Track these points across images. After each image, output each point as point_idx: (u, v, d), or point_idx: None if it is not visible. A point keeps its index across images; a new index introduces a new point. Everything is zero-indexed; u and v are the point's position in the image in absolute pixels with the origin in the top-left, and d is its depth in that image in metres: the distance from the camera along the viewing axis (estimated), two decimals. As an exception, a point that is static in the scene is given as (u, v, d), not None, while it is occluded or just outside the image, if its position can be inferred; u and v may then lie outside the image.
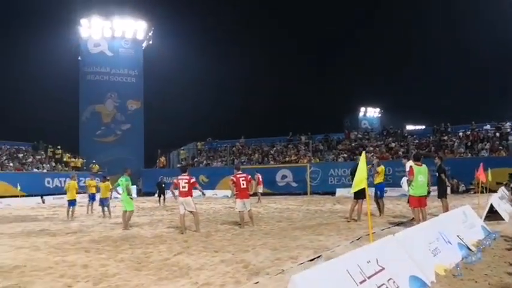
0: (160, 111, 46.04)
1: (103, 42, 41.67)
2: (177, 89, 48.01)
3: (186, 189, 11.48)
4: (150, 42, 43.97)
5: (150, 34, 43.57)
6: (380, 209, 14.06)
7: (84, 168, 35.68)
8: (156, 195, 25.00)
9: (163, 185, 23.66)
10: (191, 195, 11.61)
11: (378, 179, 14.13)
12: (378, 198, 14.11)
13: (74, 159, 36.14)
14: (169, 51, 44.10)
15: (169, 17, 48.90)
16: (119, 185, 13.43)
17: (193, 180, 11.69)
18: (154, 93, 44.56)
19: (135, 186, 33.81)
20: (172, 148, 40.15)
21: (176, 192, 11.77)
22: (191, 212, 11.58)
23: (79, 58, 41.58)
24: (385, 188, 15.44)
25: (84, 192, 19.73)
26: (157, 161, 37.27)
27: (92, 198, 19.34)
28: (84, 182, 21.78)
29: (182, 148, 39.77)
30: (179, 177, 11.72)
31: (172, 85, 47.57)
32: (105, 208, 16.95)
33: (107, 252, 8.74)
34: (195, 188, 11.87)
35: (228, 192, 25.66)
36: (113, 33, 41.60)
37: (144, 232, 11.89)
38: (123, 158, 37.92)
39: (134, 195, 31.53)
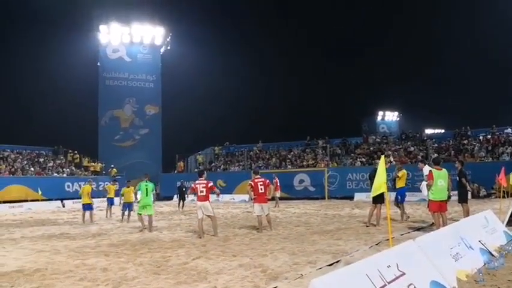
0: (178, 116, 46.29)
1: (121, 48, 42.17)
2: (194, 94, 48.30)
3: (204, 193, 11.52)
4: (168, 47, 44.38)
5: (168, 39, 43.98)
6: (401, 213, 13.90)
7: (103, 172, 36.04)
8: (176, 198, 25.04)
9: (183, 189, 23.71)
10: (209, 200, 11.65)
11: (400, 184, 13.99)
12: (399, 202, 13.96)
13: (93, 164, 36.55)
14: (187, 56, 44.40)
15: (186, 23, 49.28)
16: (140, 189, 13.71)
17: (210, 184, 11.72)
18: (172, 98, 44.88)
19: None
20: (190, 153, 40.34)
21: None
22: (209, 216, 11.60)
23: (98, 64, 42.13)
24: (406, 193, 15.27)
25: (104, 197, 19.93)
26: (176, 165, 37.44)
27: (110, 202, 19.50)
28: (103, 187, 21.95)
29: (199, 153, 39.92)
30: (197, 181, 11.76)
31: (190, 90, 47.87)
32: (126, 212, 17.01)
33: (126, 256, 8.81)
34: (213, 192, 11.91)
35: (246, 197, 25.71)
36: (131, 39, 42.08)
37: (163, 236, 11.97)
38: (141, 163, 38.30)
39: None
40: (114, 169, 35.66)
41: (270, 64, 52.98)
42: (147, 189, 13.51)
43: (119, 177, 33.49)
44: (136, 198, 14.12)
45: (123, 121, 41.90)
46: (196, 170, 36.47)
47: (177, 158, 37.60)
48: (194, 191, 11.68)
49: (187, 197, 23.82)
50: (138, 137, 42.10)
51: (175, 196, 27.81)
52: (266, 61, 53.11)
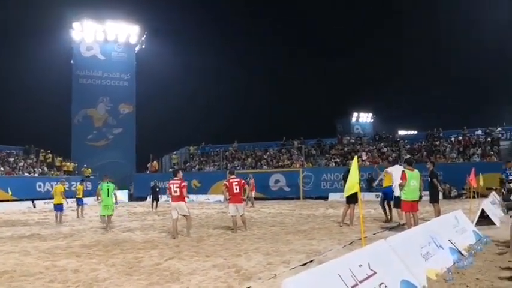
0: (152, 115, 45.87)
1: (95, 46, 41.54)
2: (170, 93, 47.89)
3: (178, 193, 11.43)
4: (143, 46, 43.88)
5: (143, 38, 43.50)
6: (389, 212, 13.84)
7: (76, 172, 35.44)
8: (149, 199, 24.78)
9: (157, 190, 23.47)
10: (183, 200, 11.56)
11: (386, 183, 14.05)
12: (384, 201, 13.95)
13: (67, 164, 35.86)
14: (162, 55, 43.98)
15: (162, 21, 48.86)
16: (101, 189, 14.11)
17: (184, 183, 11.61)
18: (147, 97, 44.42)
19: (126, 191, 33.66)
20: (165, 152, 40.01)
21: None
22: (184, 215, 11.52)
23: (71, 61, 41.39)
24: (378, 193, 15.38)
25: (74, 197, 19.65)
26: (149, 165, 36.95)
27: (80, 202, 19.23)
28: (75, 187, 21.56)
29: (174, 152, 39.65)
30: (171, 181, 11.68)
31: (165, 89, 47.45)
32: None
33: (97, 257, 8.69)
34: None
35: (221, 197, 25.64)
36: (105, 36, 41.50)
37: (136, 237, 11.84)
38: (114, 163, 37.81)
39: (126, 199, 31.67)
40: (89, 169, 35.12)
41: (246, 64, 52.94)
42: (108, 189, 13.90)
43: (93, 177, 33.07)
44: (99, 198, 14.30)
45: (96, 120, 41.30)
46: (171, 170, 36.22)
47: (151, 158, 37.19)
48: (169, 191, 11.62)
49: (161, 197, 23.64)
50: (111, 137, 41.54)
51: (148, 197, 27.52)
52: (242, 61, 53.04)
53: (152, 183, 24.17)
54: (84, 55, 41.40)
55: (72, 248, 9.96)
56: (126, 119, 42.17)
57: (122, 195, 30.22)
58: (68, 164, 35.86)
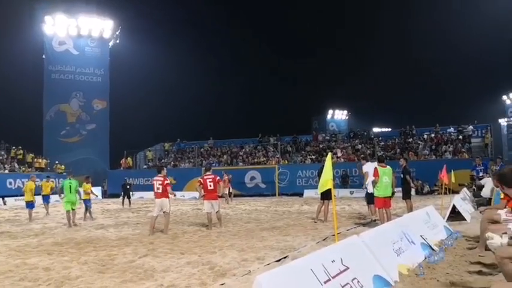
0: (126, 111, 45.30)
1: (68, 41, 40.72)
2: (144, 89, 47.50)
3: (161, 190, 11.44)
4: (117, 41, 43.23)
5: (117, 33, 42.84)
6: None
7: (48, 168, 34.77)
8: (121, 196, 24.52)
9: (128, 187, 23.24)
10: (166, 197, 11.50)
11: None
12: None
13: (39, 160, 35.14)
14: (137, 51, 43.45)
15: (137, 16, 48.41)
16: (63, 186, 14.38)
17: (167, 181, 11.59)
18: (121, 93, 43.81)
19: (100, 188, 33.16)
20: (139, 149, 39.60)
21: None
22: (164, 212, 11.46)
23: (43, 56, 40.51)
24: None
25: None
26: (122, 161, 36.45)
27: (46, 200, 18.94)
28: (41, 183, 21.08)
29: (149, 149, 39.28)
30: (154, 178, 11.72)
31: (140, 85, 46.99)
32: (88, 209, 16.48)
33: (70, 255, 8.54)
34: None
35: (196, 194, 25.55)
36: (78, 31, 40.69)
37: (109, 234, 11.69)
38: (88, 159, 37.29)
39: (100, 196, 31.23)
40: (62, 165, 34.48)
41: (222, 61, 52.88)
42: (70, 186, 14.17)
43: (65, 173, 32.48)
44: (62, 194, 14.31)
45: (69, 116, 40.54)
46: (145, 166, 35.92)
47: (125, 154, 36.77)
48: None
49: (133, 194, 23.44)
50: (85, 133, 40.84)
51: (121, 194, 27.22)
52: (218, 57, 52.95)
53: (123, 181, 23.92)
54: (57, 50, 40.52)
55: (43, 246, 9.78)
56: (99, 115, 41.50)
57: (96, 191, 29.79)
58: (40, 160, 35.15)
